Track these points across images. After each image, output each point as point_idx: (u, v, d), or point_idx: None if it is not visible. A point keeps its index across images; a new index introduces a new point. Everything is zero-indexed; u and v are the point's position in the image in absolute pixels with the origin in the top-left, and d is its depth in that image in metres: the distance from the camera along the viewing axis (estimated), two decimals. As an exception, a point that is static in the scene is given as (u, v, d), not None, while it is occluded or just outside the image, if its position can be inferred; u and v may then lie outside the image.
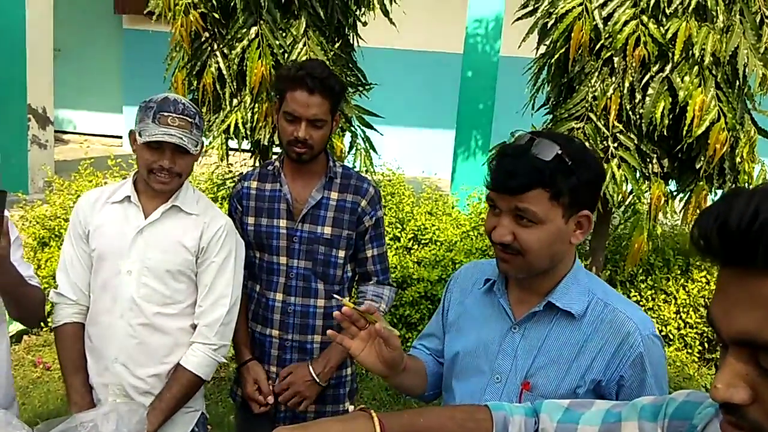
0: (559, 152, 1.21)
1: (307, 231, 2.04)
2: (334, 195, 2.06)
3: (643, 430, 0.88)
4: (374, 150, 3.44)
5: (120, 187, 1.92)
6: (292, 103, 1.94)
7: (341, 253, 2.07)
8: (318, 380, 2.05)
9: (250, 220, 2.09)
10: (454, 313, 1.48)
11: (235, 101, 3.08)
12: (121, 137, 9.41)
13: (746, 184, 3.18)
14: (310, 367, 2.05)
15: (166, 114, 1.76)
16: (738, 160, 3.06)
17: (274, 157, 2.25)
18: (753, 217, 0.57)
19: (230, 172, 5.18)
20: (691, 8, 2.86)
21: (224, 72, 3.01)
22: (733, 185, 3.20)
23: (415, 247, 4.60)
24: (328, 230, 2.04)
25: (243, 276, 2.10)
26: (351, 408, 2.19)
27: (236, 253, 1.93)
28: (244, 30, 2.93)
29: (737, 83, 2.95)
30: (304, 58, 2.86)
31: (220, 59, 3.02)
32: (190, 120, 1.79)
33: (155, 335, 1.85)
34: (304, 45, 2.95)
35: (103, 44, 9.47)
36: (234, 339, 2.12)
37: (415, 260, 4.39)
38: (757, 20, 2.95)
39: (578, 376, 1.26)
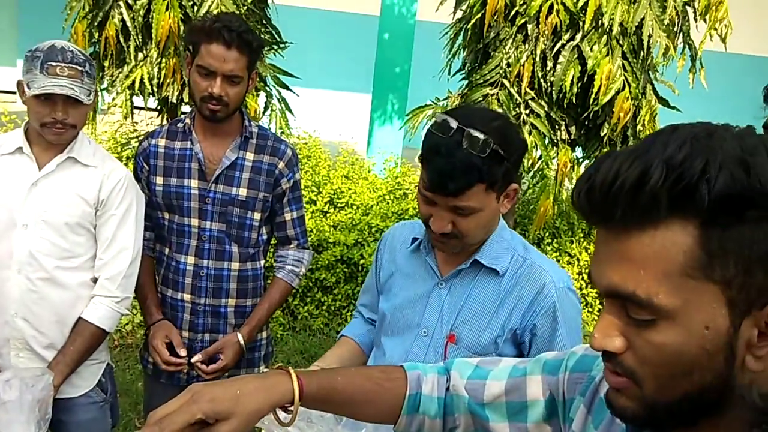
0: (491, 143, 1.20)
1: (221, 192, 1.98)
2: (249, 156, 2.00)
3: (547, 383, 0.92)
4: (290, 111, 3.37)
5: (9, 138, 1.83)
6: (207, 57, 1.85)
7: (257, 216, 2.02)
8: (244, 347, 2.02)
9: (159, 179, 2.00)
10: (386, 272, 1.53)
11: (140, 55, 2.92)
12: (15, 93, 8.75)
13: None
14: (239, 335, 2.02)
15: (54, 64, 1.69)
16: (640, 128, 3.21)
17: (184, 115, 2.16)
18: (614, 178, 0.60)
19: (135, 131, 4.95)
20: (601, -22, 2.94)
21: (128, 24, 2.85)
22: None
23: (331, 210, 4.58)
24: (243, 192, 1.99)
25: (150, 237, 2.05)
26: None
27: (137, 205, 1.89)
28: (151, -21, 2.78)
29: (641, 54, 3.08)
30: (215, 12, 2.74)
31: (124, 10, 2.85)
32: (80, 68, 1.72)
33: (56, 289, 1.80)
34: (216, -2, 2.82)
35: (-7, -10, 8.73)
36: (143, 303, 2.06)
37: (332, 224, 4.38)
38: (663, -7, 3.08)
39: (498, 327, 1.34)
